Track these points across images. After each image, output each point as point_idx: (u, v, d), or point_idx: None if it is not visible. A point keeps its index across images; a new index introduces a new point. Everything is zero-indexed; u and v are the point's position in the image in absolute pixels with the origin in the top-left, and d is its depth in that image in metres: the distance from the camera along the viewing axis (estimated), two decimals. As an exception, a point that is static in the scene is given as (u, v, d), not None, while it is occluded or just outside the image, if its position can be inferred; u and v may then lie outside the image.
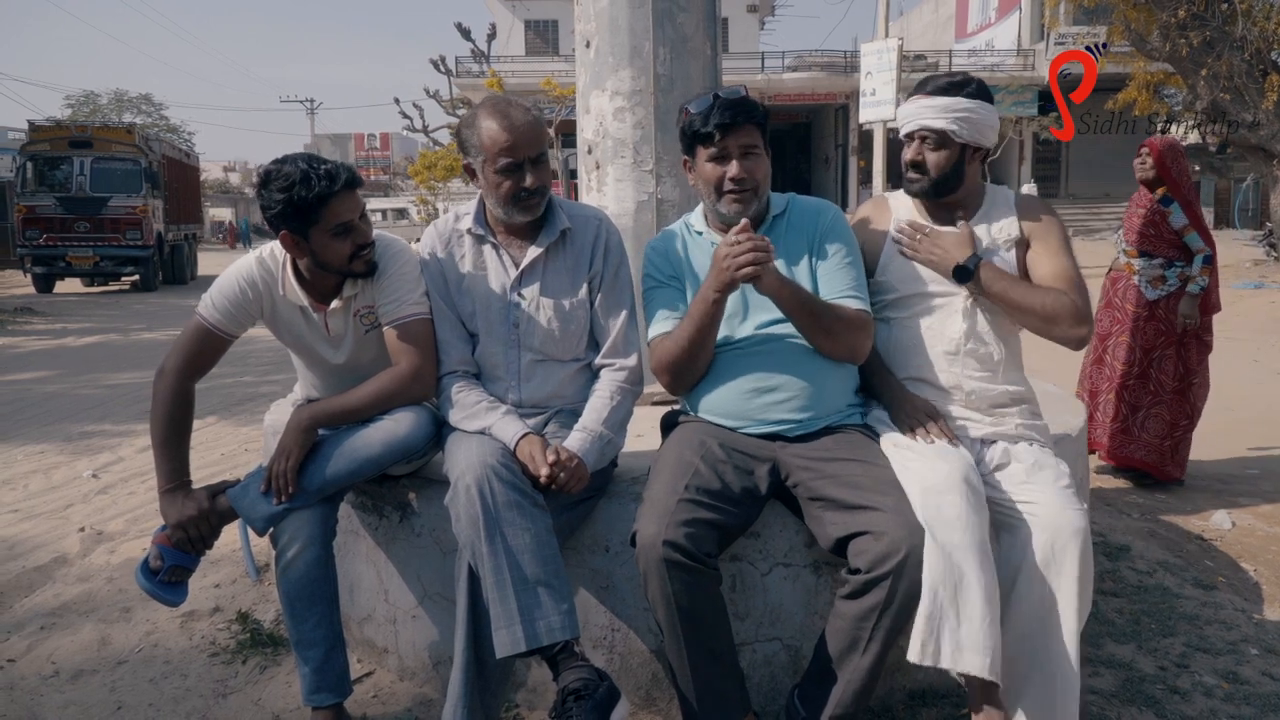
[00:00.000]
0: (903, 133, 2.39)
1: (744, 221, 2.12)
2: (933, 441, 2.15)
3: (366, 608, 2.66)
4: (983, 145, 2.35)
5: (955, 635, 1.92)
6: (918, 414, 2.22)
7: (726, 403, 2.27)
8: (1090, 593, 2.06)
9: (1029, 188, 22.04)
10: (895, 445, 2.19)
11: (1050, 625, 2.03)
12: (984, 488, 2.20)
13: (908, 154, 2.38)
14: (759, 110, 2.27)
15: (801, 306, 2.18)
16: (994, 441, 2.25)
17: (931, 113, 2.30)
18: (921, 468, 2.07)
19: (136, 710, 2.50)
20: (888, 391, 2.32)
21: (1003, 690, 2.04)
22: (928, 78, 2.38)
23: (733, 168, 2.23)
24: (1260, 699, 2.46)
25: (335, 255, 2.26)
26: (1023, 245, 2.34)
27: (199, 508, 2.24)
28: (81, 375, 8.36)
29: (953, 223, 2.36)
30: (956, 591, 1.92)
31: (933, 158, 2.33)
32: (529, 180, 2.25)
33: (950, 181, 2.35)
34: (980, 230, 2.35)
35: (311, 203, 2.17)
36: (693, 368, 2.26)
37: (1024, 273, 2.33)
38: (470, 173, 2.35)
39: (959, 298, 2.31)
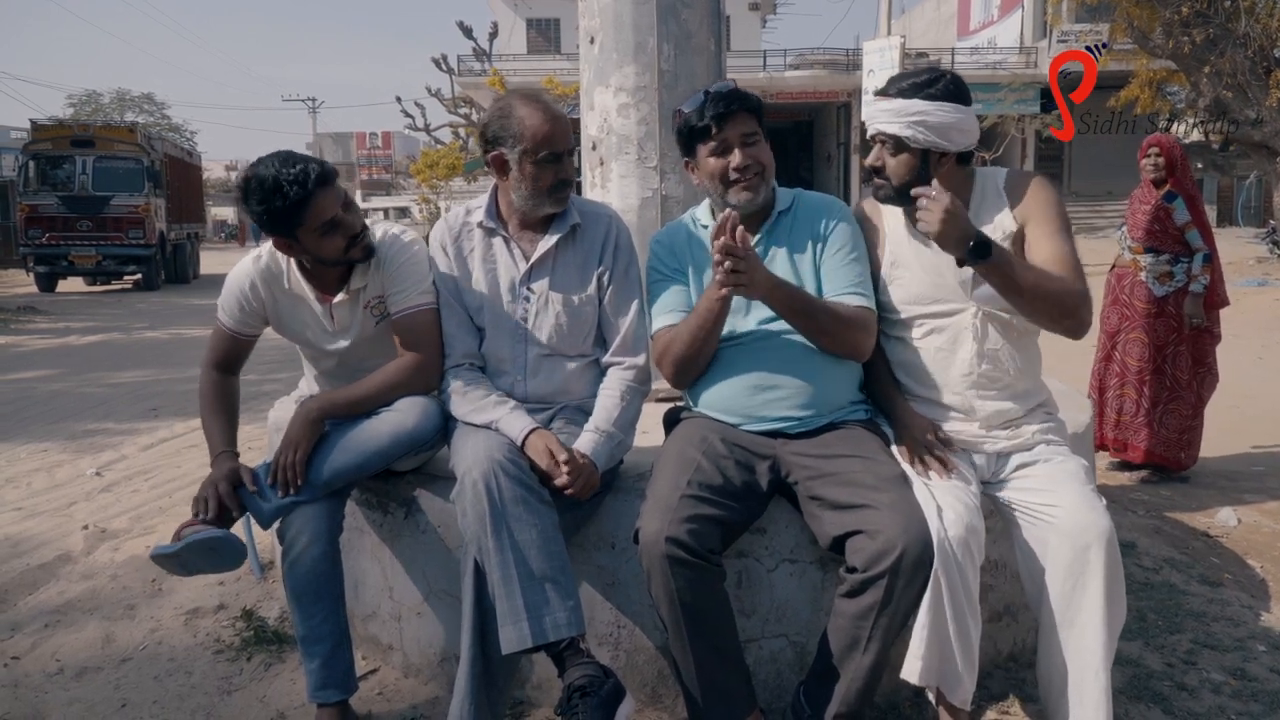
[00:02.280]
0: (868, 136, 2.30)
1: (728, 213, 2.03)
2: (930, 479, 2.08)
3: (371, 604, 2.65)
4: (948, 150, 2.17)
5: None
6: (918, 446, 2.15)
7: (728, 399, 2.26)
8: (1123, 599, 2.01)
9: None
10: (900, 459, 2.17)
11: (1079, 636, 2.00)
12: (1002, 491, 2.19)
13: (869, 158, 2.26)
14: (751, 98, 2.26)
15: (794, 309, 2.16)
16: (1011, 454, 2.22)
17: (886, 116, 2.17)
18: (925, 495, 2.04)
19: (141, 707, 2.49)
20: (892, 411, 2.27)
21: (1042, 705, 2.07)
22: (893, 77, 2.26)
23: (735, 156, 2.22)
24: (1268, 695, 2.45)
25: (330, 250, 2.27)
26: (1019, 238, 2.19)
27: (212, 480, 2.23)
28: (84, 374, 8.36)
29: None
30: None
31: (892, 163, 2.20)
32: (567, 171, 2.28)
33: (916, 187, 2.16)
34: None
35: (291, 209, 2.18)
36: (696, 363, 2.26)
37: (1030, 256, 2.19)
38: (499, 165, 2.31)
39: (967, 314, 2.19)
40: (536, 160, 2.24)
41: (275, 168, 2.18)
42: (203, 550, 2.13)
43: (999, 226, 2.20)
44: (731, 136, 2.22)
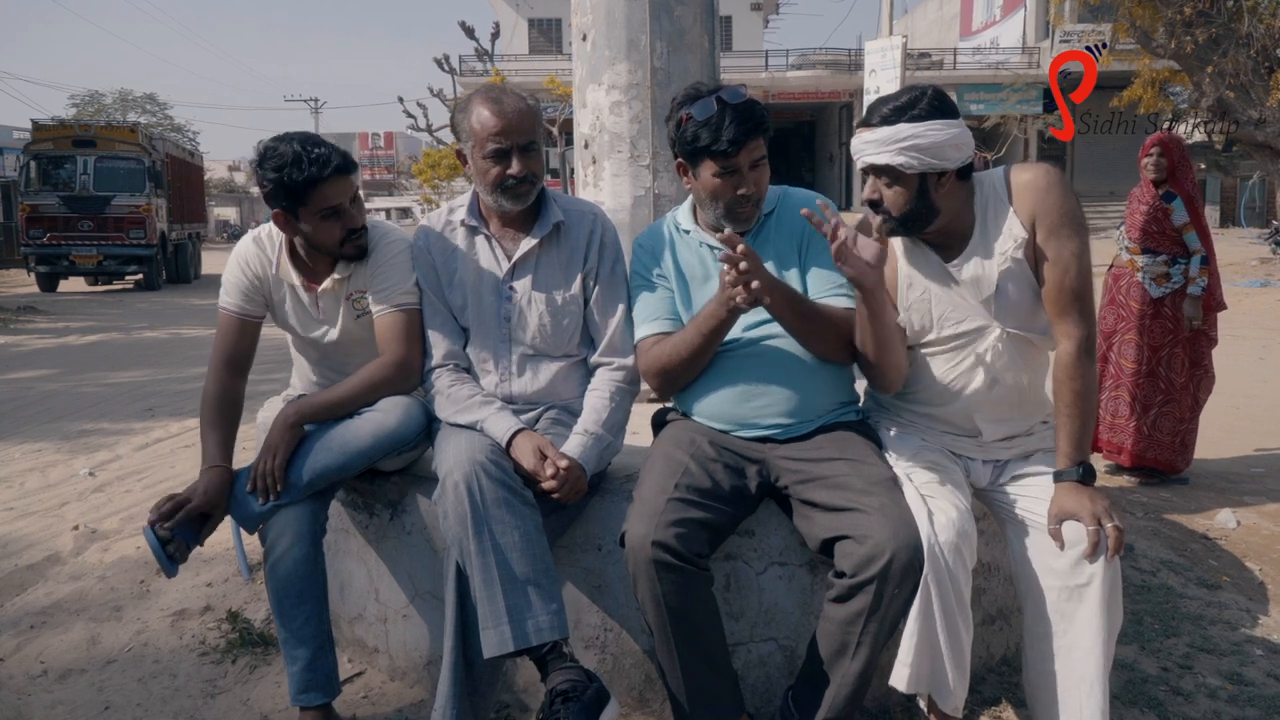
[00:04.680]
0: (858, 168, 2.13)
1: (727, 234, 1.98)
2: (914, 480, 2.03)
3: (357, 607, 2.63)
4: (946, 169, 2.02)
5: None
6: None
7: (716, 406, 2.22)
8: (1120, 607, 1.97)
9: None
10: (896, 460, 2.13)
11: (1073, 645, 1.95)
12: (998, 497, 2.16)
13: (865, 191, 2.10)
14: (765, 116, 2.13)
15: (791, 309, 2.10)
16: (1008, 461, 2.19)
17: (874, 148, 2.01)
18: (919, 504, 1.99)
19: (124, 710, 2.47)
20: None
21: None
22: (872, 104, 2.07)
23: (746, 184, 2.12)
24: (1265, 700, 2.42)
25: (326, 237, 2.28)
26: (1030, 243, 2.05)
27: (190, 493, 2.21)
28: (82, 374, 8.34)
29: (956, 253, 2.10)
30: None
31: (889, 195, 2.04)
32: (515, 167, 2.22)
33: (919, 215, 2.05)
34: (984, 256, 2.08)
35: (301, 185, 2.19)
36: (688, 376, 2.22)
37: (1037, 267, 2.05)
38: (461, 158, 2.33)
39: (990, 338, 2.09)
40: (485, 155, 2.22)
41: (300, 144, 2.21)
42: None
43: (1009, 236, 2.06)
44: (744, 162, 2.10)
